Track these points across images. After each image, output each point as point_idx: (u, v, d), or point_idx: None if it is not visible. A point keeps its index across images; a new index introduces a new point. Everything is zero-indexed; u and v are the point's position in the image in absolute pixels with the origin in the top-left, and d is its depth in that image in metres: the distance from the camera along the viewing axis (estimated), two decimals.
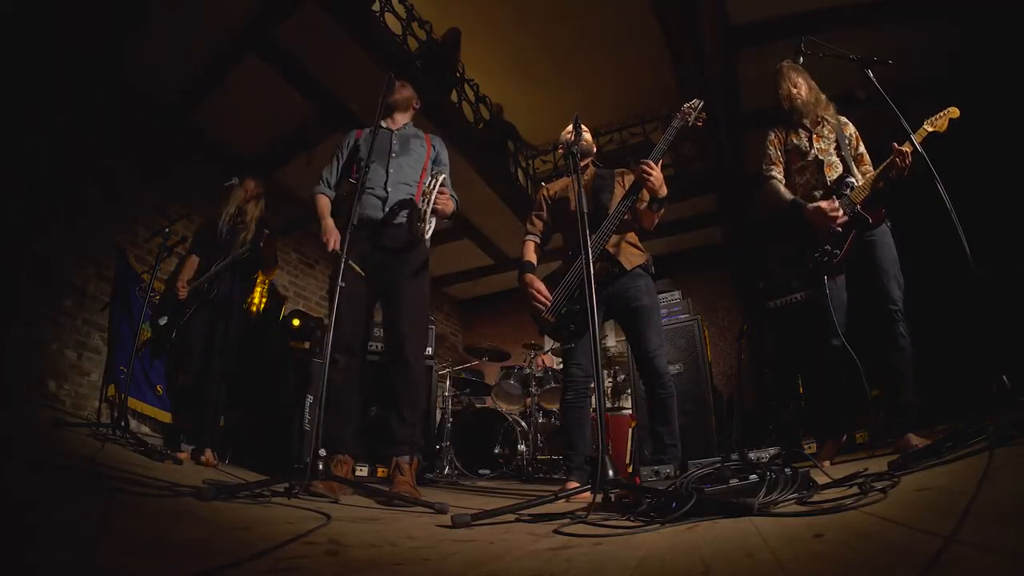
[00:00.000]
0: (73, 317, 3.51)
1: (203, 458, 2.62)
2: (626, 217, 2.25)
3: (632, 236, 2.32)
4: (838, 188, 2.20)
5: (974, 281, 1.61)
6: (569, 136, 2.09)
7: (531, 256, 2.43)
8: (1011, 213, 3.07)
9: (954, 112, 2.04)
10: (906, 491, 1.00)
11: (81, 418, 3.16)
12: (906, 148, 2.01)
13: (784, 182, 2.39)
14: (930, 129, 2.05)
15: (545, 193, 2.54)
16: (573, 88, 6.15)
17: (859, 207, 2.13)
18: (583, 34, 5.79)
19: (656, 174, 2.12)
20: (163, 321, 2.93)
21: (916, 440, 1.81)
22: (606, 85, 6.13)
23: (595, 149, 2.55)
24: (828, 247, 2.16)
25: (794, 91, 2.38)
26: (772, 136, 2.45)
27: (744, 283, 6.08)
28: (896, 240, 2.17)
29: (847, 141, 2.31)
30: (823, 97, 2.40)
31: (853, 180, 2.19)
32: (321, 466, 1.57)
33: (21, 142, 3.14)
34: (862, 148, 2.35)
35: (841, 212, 2.13)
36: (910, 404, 1.97)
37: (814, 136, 2.35)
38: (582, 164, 2.44)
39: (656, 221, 2.26)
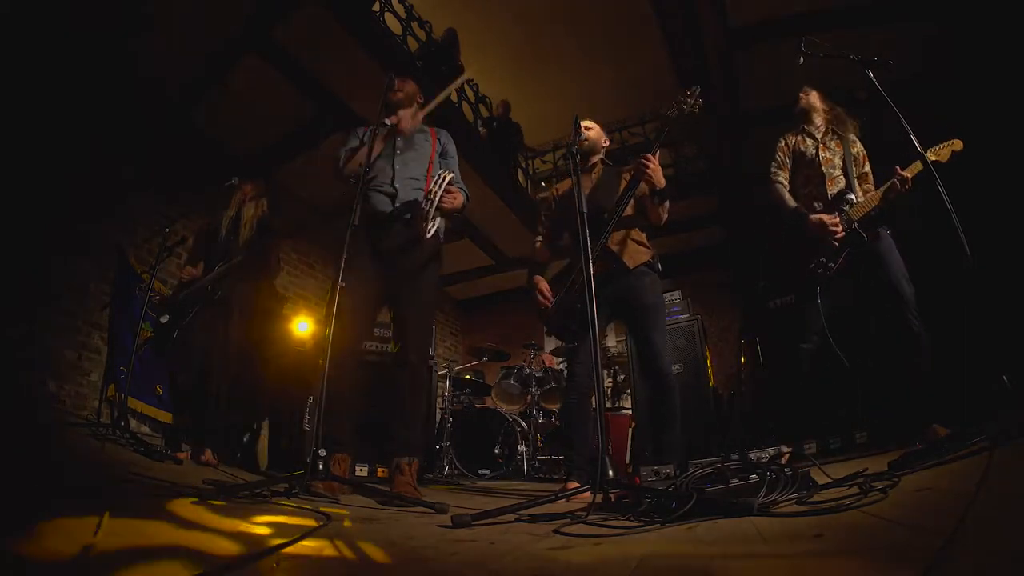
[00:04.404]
0: (73, 317, 3.50)
1: (203, 458, 2.62)
2: (629, 213, 2.25)
3: (637, 233, 2.31)
4: (838, 202, 2.27)
5: (974, 281, 1.61)
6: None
7: (540, 257, 2.46)
8: (1012, 213, 3.07)
9: (958, 144, 2.10)
10: (906, 491, 1.00)
11: (81, 418, 3.16)
12: (908, 173, 2.10)
13: (788, 188, 2.46)
14: (933, 158, 2.12)
15: (554, 192, 2.55)
16: (573, 88, 6.15)
17: (856, 224, 2.20)
18: (583, 35, 5.78)
19: (652, 165, 2.12)
20: (165, 319, 2.93)
21: (943, 430, 1.81)
22: (606, 86, 6.13)
23: (605, 144, 2.51)
24: (823, 259, 2.22)
25: (810, 98, 2.49)
26: (782, 142, 2.53)
27: (744, 283, 6.08)
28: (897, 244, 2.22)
29: (853, 159, 2.39)
30: (840, 111, 2.48)
31: (853, 196, 2.26)
32: (321, 466, 1.57)
33: (22, 142, 3.14)
34: (867, 168, 2.41)
35: (840, 227, 2.20)
36: (923, 389, 2.00)
37: (820, 146, 2.43)
38: (591, 161, 2.45)
39: (664, 216, 2.24)
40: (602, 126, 2.54)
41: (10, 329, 3.09)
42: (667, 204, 2.22)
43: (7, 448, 1.67)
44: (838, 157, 2.39)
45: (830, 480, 1.20)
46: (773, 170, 2.50)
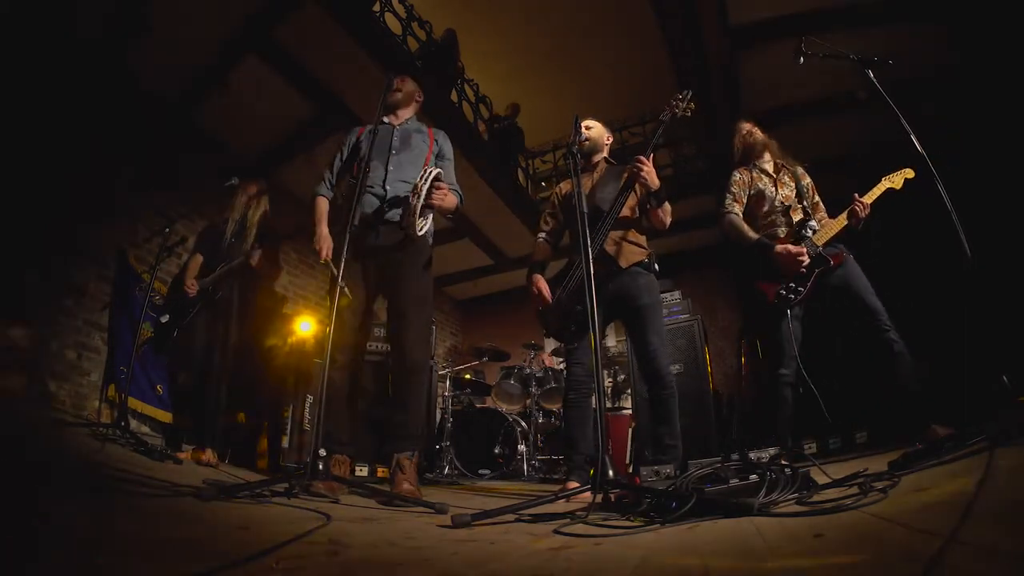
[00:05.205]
0: (73, 317, 3.50)
1: (203, 458, 2.62)
2: (627, 214, 2.24)
3: (634, 234, 2.31)
4: (801, 230, 2.32)
5: (974, 281, 1.61)
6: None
7: (541, 256, 2.45)
8: (1013, 213, 3.07)
9: (909, 173, 2.19)
10: (906, 491, 1.00)
11: (81, 418, 3.16)
12: (865, 200, 2.20)
13: (744, 220, 2.49)
14: (888, 185, 2.23)
15: (557, 192, 2.55)
16: (573, 88, 6.15)
17: (820, 249, 2.25)
18: (584, 36, 5.78)
19: (647, 168, 2.12)
20: (165, 319, 2.93)
21: (942, 430, 1.82)
22: (606, 86, 6.13)
23: (608, 141, 2.51)
24: (792, 284, 2.27)
25: (757, 134, 2.56)
26: (737, 176, 2.55)
27: (744, 283, 6.07)
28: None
29: (805, 190, 2.45)
30: (778, 149, 2.57)
31: (815, 224, 2.32)
32: (321, 466, 1.57)
33: (22, 142, 3.14)
34: (817, 198, 2.49)
35: (805, 255, 2.24)
36: (918, 393, 2.02)
37: (778, 183, 2.48)
38: (594, 160, 2.45)
39: (666, 219, 2.24)
40: (604, 124, 2.53)
41: (10, 329, 3.09)
42: (667, 206, 2.22)
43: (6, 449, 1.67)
44: (794, 191, 2.45)
45: (830, 480, 1.20)
46: (728, 203, 2.49)
